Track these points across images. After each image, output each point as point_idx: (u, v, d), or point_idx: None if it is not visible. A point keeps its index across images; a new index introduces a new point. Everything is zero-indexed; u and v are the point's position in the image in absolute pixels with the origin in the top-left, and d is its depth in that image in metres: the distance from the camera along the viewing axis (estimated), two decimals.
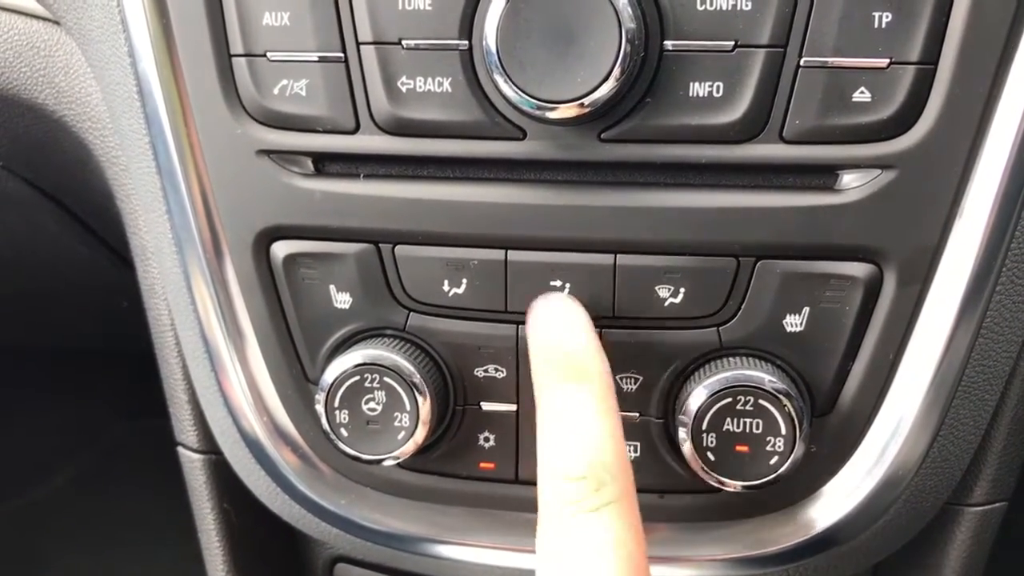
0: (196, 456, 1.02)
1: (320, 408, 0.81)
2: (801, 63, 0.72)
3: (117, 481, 2.13)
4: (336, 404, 0.81)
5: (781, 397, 0.75)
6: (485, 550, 0.89)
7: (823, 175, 0.76)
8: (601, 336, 0.80)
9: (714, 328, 0.79)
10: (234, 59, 0.80)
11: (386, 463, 0.82)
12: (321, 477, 0.91)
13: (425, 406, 0.80)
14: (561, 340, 0.73)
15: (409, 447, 0.81)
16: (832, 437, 0.81)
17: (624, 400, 0.81)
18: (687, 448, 0.77)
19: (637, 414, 0.82)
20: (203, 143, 0.83)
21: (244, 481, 0.95)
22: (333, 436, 0.82)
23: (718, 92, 0.73)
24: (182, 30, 0.81)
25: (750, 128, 0.74)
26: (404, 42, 0.76)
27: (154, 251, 0.92)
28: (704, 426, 0.76)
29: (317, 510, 0.92)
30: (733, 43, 0.72)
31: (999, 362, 0.80)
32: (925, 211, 0.74)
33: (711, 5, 0.71)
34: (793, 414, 0.75)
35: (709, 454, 0.77)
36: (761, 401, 0.75)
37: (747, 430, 0.76)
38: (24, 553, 2.08)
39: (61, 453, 2.17)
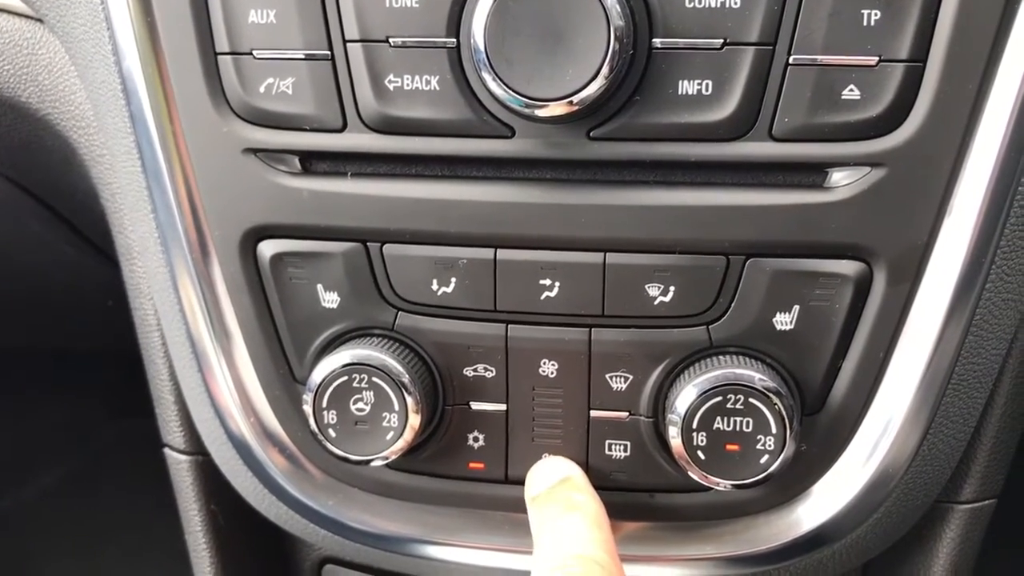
0: (183, 457, 1.01)
1: (308, 408, 0.81)
2: (790, 61, 0.72)
3: (106, 481, 2.12)
4: (324, 404, 0.80)
5: (771, 395, 0.75)
6: (474, 550, 0.89)
7: (812, 173, 0.76)
8: (591, 334, 0.80)
9: (704, 326, 0.79)
10: (220, 57, 0.79)
11: (374, 464, 0.82)
12: (309, 478, 0.90)
13: (414, 406, 0.79)
14: (551, 483, 0.82)
15: (398, 447, 0.80)
16: (822, 435, 0.81)
17: (614, 399, 0.81)
18: (677, 447, 0.77)
19: (627, 413, 0.81)
20: (189, 142, 0.82)
21: (231, 482, 0.94)
22: (321, 437, 0.81)
23: (707, 90, 0.73)
24: (167, 28, 0.80)
25: (739, 126, 0.74)
26: (391, 40, 0.75)
27: (140, 250, 0.92)
28: (694, 425, 0.76)
29: (305, 511, 0.91)
30: (722, 41, 0.72)
31: (989, 359, 0.80)
32: (914, 209, 0.74)
33: (700, 3, 0.71)
34: (783, 413, 0.75)
35: (699, 453, 0.77)
36: (751, 400, 0.75)
37: (737, 429, 0.76)
38: (13, 554, 2.07)
39: (50, 454, 2.16)
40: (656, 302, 0.78)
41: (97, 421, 2.17)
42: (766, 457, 0.76)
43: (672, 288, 0.77)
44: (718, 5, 0.71)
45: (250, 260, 0.83)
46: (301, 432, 0.88)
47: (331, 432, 0.81)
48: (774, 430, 0.75)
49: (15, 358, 1.97)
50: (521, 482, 0.85)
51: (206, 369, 0.89)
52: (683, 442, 0.77)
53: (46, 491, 2.13)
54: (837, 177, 0.75)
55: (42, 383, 2.09)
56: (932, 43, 0.71)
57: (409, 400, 0.79)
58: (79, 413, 2.16)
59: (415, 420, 0.80)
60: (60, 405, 2.13)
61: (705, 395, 0.76)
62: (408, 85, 0.76)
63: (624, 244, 0.77)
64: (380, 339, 0.82)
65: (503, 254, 0.79)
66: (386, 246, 0.80)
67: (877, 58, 0.71)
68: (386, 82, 0.76)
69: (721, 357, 0.78)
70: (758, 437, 0.76)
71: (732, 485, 0.77)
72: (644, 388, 0.81)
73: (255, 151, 0.80)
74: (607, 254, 0.77)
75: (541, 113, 0.71)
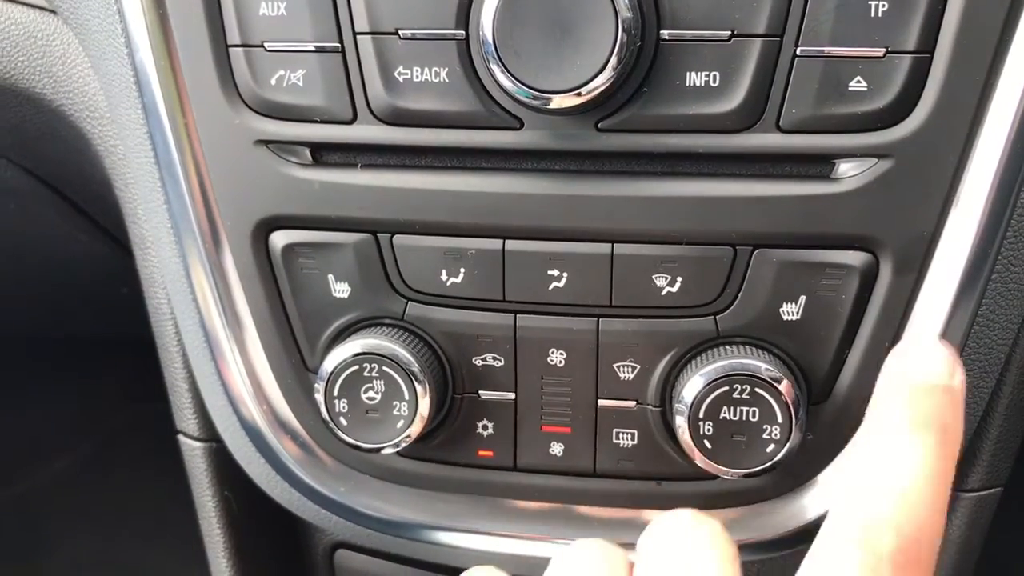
0: (196, 444, 1.03)
1: (319, 397, 0.82)
2: (797, 52, 0.72)
3: (120, 465, 2.14)
4: (335, 393, 0.81)
5: (777, 385, 0.75)
6: (484, 537, 0.90)
7: (820, 164, 0.76)
8: (599, 324, 0.81)
9: (711, 317, 0.79)
10: (231, 49, 0.80)
11: (385, 451, 0.82)
12: (321, 465, 0.91)
13: (424, 395, 0.80)
14: (933, 381, 0.65)
15: (408, 435, 0.81)
16: (828, 424, 0.81)
17: (621, 388, 0.82)
18: (684, 436, 0.78)
19: (634, 402, 0.82)
20: (201, 133, 0.83)
21: (244, 469, 0.95)
22: (332, 425, 0.82)
23: (715, 81, 0.73)
24: (179, 20, 0.81)
25: (747, 117, 0.74)
26: (401, 32, 0.76)
27: (153, 240, 0.93)
28: (701, 414, 0.77)
29: (317, 497, 0.92)
30: (730, 32, 0.72)
31: (995, 349, 0.80)
32: (921, 200, 0.74)
33: None
34: (789, 402, 0.76)
35: (706, 442, 0.77)
36: (758, 389, 0.76)
37: (744, 418, 0.76)
38: (28, 537, 2.09)
39: (64, 438, 2.18)
40: (663, 292, 0.78)
41: (112, 405, 2.19)
42: (772, 446, 0.76)
43: (679, 279, 0.78)
44: None
45: (262, 251, 0.84)
46: (313, 420, 0.89)
47: (342, 420, 0.82)
48: (780, 419, 0.76)
49: (31, 344, 1.99)
50: (530, 470, 0.86)
51: (219, 358, 0.90)
52: (690, 431, 0.77)
53: (62, 475, 2.15)
54: (844, 168, 0.75)
55: (57, 369, 2.11)
56: (940, 34, 0.71)
57: (419, 389, 0.80)
58: (94, 398, 2.18)
59: (425, 409, 0.81)
60: (75, 390, 2.15)
61: (712, 384, 0.76)
62: (417, 77, 0.76)
63: (631, 235, 0.78)
64: (390, 329, 0.83)
65: (511, 245, 0.79)
66: (396, 237, 0.81)
67: (884, 50, 0.71)
68: (396, 74, 0.77)
69: (728, 347, 0.79)
70: (764, 426, 0.76)
71: (738, 474, 0.77)
72: (651, 377, 0.81)
73: (266, 143, 0.81)
74: (615, 245, 0.78)
75: (549, 105, 0.72)
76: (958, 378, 0.65)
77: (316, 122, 0.79)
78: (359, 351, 0.81)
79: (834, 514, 0.60)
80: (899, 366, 0.67)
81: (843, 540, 0.57)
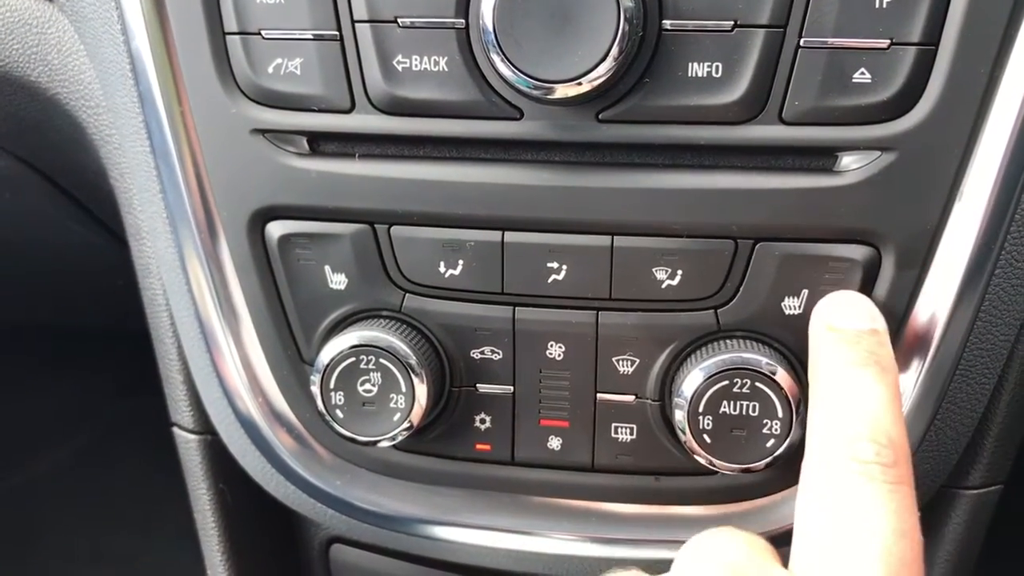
0: (191, 437, 1.02)
1: (315, 389, 0.81)
2: (801, 43, 0.71)
3: (115, 458, 2.13)
4: (331, 385, 0.81)
5: (778, 379, 0.75)
6: (480, 531, 0.90)
7: (822, 157, 0.75)
8: (598, 317, 0.80)
9: (712, 310, 0.78)
10: (228, 37, 0.79)
11: (381, 444, 0.82)
12: (316, 458, 0.91)
13: (421, 388, 0.80)
14: (859, 327, 0.74)
15: (404, 428, 0.81)
16: None
17: (620, 382, 0.81)
18: (683, 431, 0.77)
19: (633, 396, 0.82)
20: (197, 122, 0.82)
21: (240, 462, 0.95)
22: (328, 417, 0.82)
23: (717, 72, 0.72)
24: (175, 7, 0.80)
25: (749, 109, 0.73)
26: (400, 20, 0.75)
27: (148, 231, 0.92)
28: (701, 408, 0.76)
29: (312, 491, 0.92)
30: (732, 23, 0.71)
31: (997, 345, 0.80)
32: (924, 193, 0.74)
33: None
34: (790, 396, 0.75)
35: (705, 436, 0.77)
36: (758, 383, 0.75)
37: (744, 413, 0.76)
38: (22, 529, 2.09)
39: (59, 430, 2.17)
40: (663, 286, 0.78)
41: (108, 397, 2.18)
42: (772, 441, 0.76)
43: (680, 272, 0.77)
44: None
45: (258, 241, 0.83)
46: (309, 413, 0.88)
47: (338, 413, 0.81)
48: (780, 414, 0.75)
49: (26, 335, 1.98)
50: (527, 464, 0.85)
51: (214, 349, 0.89)
52: (689, 425, 0.77)
53: (56, 467, 2.15)
54: (847, 161, 0.74)
55: (53, 360, 2.11)
56: (945, 26, 0.71)
57: (416, 382, 0.80)
58: (90, 390, 2.17)
59: (422, 402, 0.80)
60: (71, 382, 2.14)
61: (712, 379, 0.76)
62: (416, 66, 0.76)
63: (632, 227, 0.77)
64: (387, 321, 0.82)
65: (511, 236, 0.79)
66: (394, 228, 0.80)
67: (889, 41, 0.71)
68: (394, 63, 0.76)
69: (728, 341, 0.78)
70: (764, 421, 0.76)
71: (738, 469, 0.77)
72: (651, 371, 0.81)
73: (263, 132, 0.80)
74: (615, 237, 0.77)
75: (550, 95, 0.71)
76: (881, 322, 0.74)
77: (313, 111, 0.79)
78: (356, 343, 0.80)
79: (813, 442, 0.68)
80: (827, 317, 0.75)
81: (831, 457, 0.66)
